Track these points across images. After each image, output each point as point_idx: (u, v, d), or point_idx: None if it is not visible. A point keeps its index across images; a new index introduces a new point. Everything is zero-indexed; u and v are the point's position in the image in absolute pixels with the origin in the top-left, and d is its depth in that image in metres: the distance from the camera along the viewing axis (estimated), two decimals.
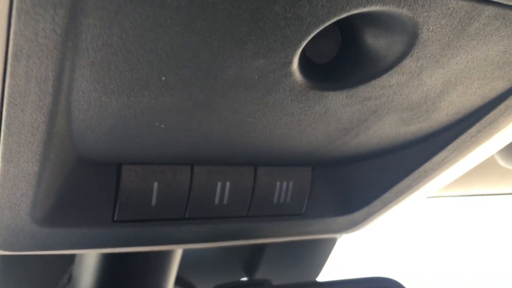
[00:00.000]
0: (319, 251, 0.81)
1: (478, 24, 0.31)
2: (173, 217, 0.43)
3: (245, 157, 0.43)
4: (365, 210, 0.50)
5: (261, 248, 0.78)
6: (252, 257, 0.79)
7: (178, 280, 0.74)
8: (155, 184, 0.41)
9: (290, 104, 0.35)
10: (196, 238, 0.46)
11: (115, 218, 0.40)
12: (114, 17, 0.25)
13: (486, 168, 0.80)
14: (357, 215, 0.50)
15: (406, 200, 0.51)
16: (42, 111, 0.28)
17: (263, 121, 0.36)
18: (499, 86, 0.38)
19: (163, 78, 0.29)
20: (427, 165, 0.45)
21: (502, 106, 0.40)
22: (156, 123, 0.34)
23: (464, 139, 0.43)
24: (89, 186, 0.39)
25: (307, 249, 0.80)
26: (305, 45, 0.31)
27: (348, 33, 0.34)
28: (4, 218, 0.35)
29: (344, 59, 0.35)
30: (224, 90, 0.32)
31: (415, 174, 0.46)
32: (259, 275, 0.78)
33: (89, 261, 0.63)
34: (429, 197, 0.89)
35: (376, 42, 0.33)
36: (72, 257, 0.69)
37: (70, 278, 0.68)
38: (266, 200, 0.46)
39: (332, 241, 0.81)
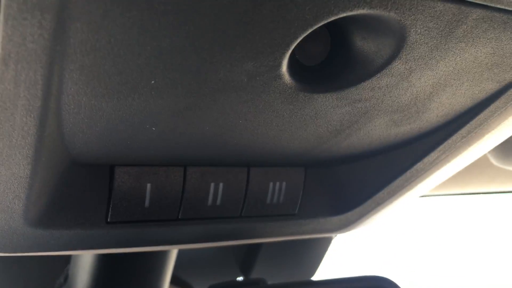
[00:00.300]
0: (314, 251, 0.81)
1: (465, 27, 0.31)
2: (167, 218, 0.43)
3: (238, 158, 0.43)
4: (358, 210, 0.50)
5: (257, 247, 0.78)
6: (248, 257, 0.79)
7: (174, 279, 0.74)
8: (148, 186, 0.41)
9: (280, 106, 0.35)
10: (190, 238, 0.46)
11: (108, 220, 0.41)
12: (102, 21, 0.25)
13: (480, 167, 0.80)
14: (350, 215, 0.50)
15: (399, 200, 0.51)
16: (32, 115, 0.28)
17: (254, 123, 0.36)
18: (489, 88, 0.38)
19: (152, 81, 0.30)
20: (419, 165, 0.46)
21: (492, 107, 0.40)
22: (147, 126, 0.34)
23: (455, 140, 0.43)
24: (82, 187, 0.39)
25: (302, 248, 0.81)
26: (294, 48, 0.31)
27: (338, 35, 0.34)
28: (2, 218, 0.35)
29: (333, 62, 0.35)
30: (213, 92, 0.32)
31: (407, 174, 0.47)
32: (255, 274, 0.78)
33: (85, 261, 0.63)
34: (424, 196, 0.89)
35: (365, 44, 0.33)
36: (68, 258, 0.69)
37: (66, 278, 0.68)
38: (259, 201, 0.46)
39: (328, 240, 0.81)
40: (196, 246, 0.49)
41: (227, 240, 0.48)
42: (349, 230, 0.53)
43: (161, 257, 0.65)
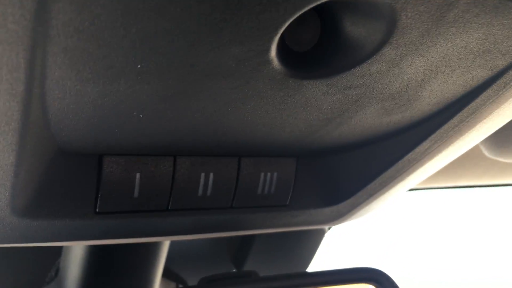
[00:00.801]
0: (307, 244, 0.81)
1: (456, 11, 0.31)
2: (156, 208, 0.42)
3: (228, 147, 0.42)
4: (350, 201, 0.50)
5: (249, 240, 0.78)
6: (240, 250, 0.79)
7: (166, 272, 0.74)
8: (138, 175, 0.41)
9: (270, 93, 0.34)
10: (180, 229, 0.46)
11: (97, 210, 0.40)
12: (85, 1, 0.24)
13: (472, 159, 0.80)
14: (342, 206, 0.50)
15: (391, 191, 0.51)
16: (15, 100, 0.28)
17: (243, 110, 0.36)
18: (480, 75, 0.38)
19: (138, 66, 0.29)
20: (411, 155, 0.45)
21: (483, 96, 0.40)
22: (135, 113, 0.34)
23: (446, 129, 0.43)
24: (70, 177, 0.39)
25: (296, 241, 0.81)
26: (284, 33, 0.30)
27: (328, 21, 0.34)
28: None
29: (323, 47, 0.34)
30: (201, 78, 0.31)
31: (399, 164, 0.46)
32: (248, 267, 0.78)
33: (76, 254, 0.63)
34: (417, 189, 0.89)
35: (355, 29, 0.33)
36: (59, 251, 0.68)
37: (57, 272, 0.68)
38: (250, 191, 0.46)
39: (321, 233, 0.81)
40: (187, 238, 0.48)
41: (218, 231, 0.48)
42: (341, 221, 0.52)
43: (153, 249, 0.65)
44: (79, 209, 0.39)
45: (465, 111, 0.41)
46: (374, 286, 0.55)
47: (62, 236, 0.40)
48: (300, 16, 0.29)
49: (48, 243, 0.41)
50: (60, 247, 0.66)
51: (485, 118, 0.43)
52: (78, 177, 0.39)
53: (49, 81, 0.29)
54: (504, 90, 0.39)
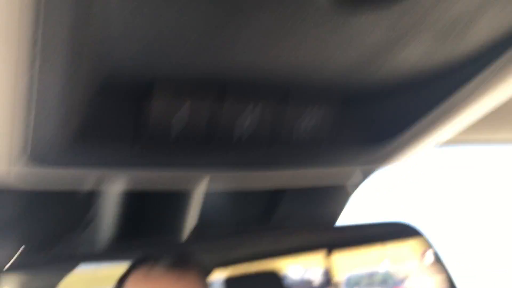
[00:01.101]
0: (336, 200, 0.81)
1: None
2: (198, 142, 0.43)
3: (274, 84, 0.42)
4: (392, 142, 0.49)
5: (279, 194, 0.78)
6: (269, 204, 0.79)
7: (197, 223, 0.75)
8: (182, 109, 0.41)
9: (315, 25, 0.34)
10: (220, 164, 0.46)
11: (140, 140, 0.41)
12: None
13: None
14: (384, 146, 0.49)
15: (433, 135, 0.49)
16: (63, 26, 0.28)
17: (289, 44, 0.35)
18: None
19: None
20: (456, 97, 0.44)
21: None
22: (182, 42, 0.34)
23: (496, 67, 0.41)
24: (116, 106, 0.39)
25: (322, 198, 0.80)
26: None
27: None
28: (40, 131, 0.35)
29: None
30: (249, 8, 0.31)
31: (443, 106, 0.45)
32: (276, 222, 0.79)
33: (111, 200, 0.64)
34: (460, 142, 0.85)
35: None
36: (96, 197, 0.70)
37: (94, 217, 0.70)
38: (291, 130, 0.45)
39: (349, 190, 0.80)
40: (226, 176, 0.49)
41: (257, 169, 0.48)
42: (381, 164, 0.52)
43: (186, 198, 0.65)
44: (124, 138, 0.40)
45: None
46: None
47: (105, 164, 0.41)
48: None
49: (92, 170, 0.42)
50: (97, 193, 0.68)
51: None
52: (123, 107, 0.40)
53: (95, 10, 0.29)
54: None
